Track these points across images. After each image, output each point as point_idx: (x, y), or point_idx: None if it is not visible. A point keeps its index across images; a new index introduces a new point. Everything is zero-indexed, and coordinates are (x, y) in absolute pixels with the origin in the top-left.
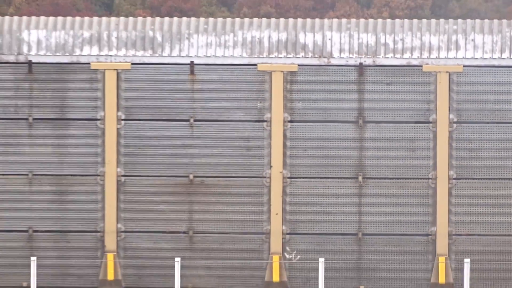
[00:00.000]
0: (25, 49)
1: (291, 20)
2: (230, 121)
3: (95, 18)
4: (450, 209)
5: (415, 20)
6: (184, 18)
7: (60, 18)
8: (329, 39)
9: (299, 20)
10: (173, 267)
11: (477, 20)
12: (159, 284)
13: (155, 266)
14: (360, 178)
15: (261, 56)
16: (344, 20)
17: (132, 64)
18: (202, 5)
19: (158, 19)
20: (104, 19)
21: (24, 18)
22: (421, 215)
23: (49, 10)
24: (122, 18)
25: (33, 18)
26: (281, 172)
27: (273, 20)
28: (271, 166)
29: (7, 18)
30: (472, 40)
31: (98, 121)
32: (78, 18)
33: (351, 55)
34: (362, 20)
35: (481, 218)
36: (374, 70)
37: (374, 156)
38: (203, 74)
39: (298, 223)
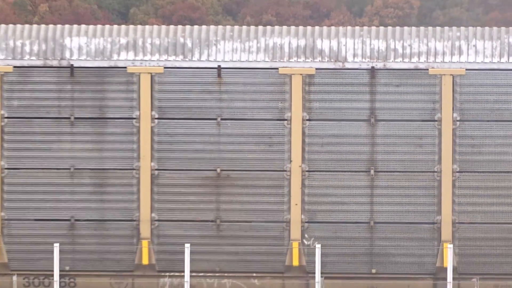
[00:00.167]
0: (67, 54)
1: (309, 28)
2: (254, 120)
3: (131, 26)
4: (453, 199)
5: (421, 28)
6: (212, 26)
7: (99, 26)
8: (344, 45)
9: (316, 28)
10: (201, 252)
11: (478, 28)
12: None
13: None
14: (372, 172)
15: (281, 60)
16: (357, 28)
17: (164, 68)
18: (209, 14)
19: (188, 27)
20: (139, 27)
21: (67, 26)
22: (427, 205)
23: (70, 18)
24: (155, 27)
25: (75, 26)
26: (300, 166)
27: (292, 27)
28: (291, 161)
29: (51, 26)
30: (474, 45)
31: (134, 120)
32: (115, 26)
33: (363, 60)
34: (373, 28)
35: (481, 208)
36: (384, 73)
37: (384, 152)
38: (229, 77)
39: (316, 212)
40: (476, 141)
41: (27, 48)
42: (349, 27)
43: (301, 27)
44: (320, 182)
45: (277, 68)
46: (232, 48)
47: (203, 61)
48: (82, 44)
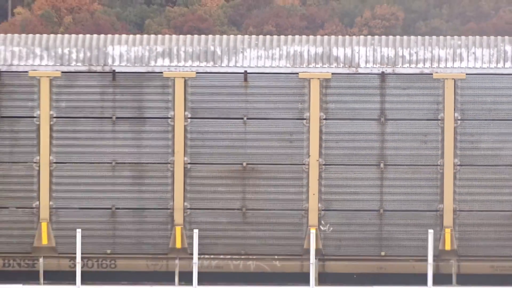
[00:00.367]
0: (110, 61)
1: (326, 37)
2: (276, 119)
3: (167, 36)
4: (454, 190)
5: (426, 37)
6: (239, 36)
7: (138, 36)
8: (357, 52)
9: (332, 37)
10: (228, 237)
11: (477, 37)
12: (217, 251)
13: (214, 236)
14: (381, 165)
15: (301, 66)
16: (369, 37)
17: (196, 73)
18: (216, 25)
19: (218, 36)
20: (174, 36)
21: (109, 36)
22: (431, 195)
23: (92, 29)
24: (188, 36)
25: (116, 36)
26: (317, 160)
27: (311, 37)
28: (309, 156)
29: (95, 36)
30: (473, 53)
31: (169, 119)
32: (153, 36)
33: (374, 66)
34: (383, 37)
35: (479, 197)
36: (393, 77)
37: (393, 147)
38: (255, 81)
39: (331, 201)
40: (475, 138)
41: (73, 56)
42: (361, 36)
43: (318, 36)
44: (335, 175)
45: (297, 73)
46: (257, 55)
47: (231, 67)
48: (123, 52)
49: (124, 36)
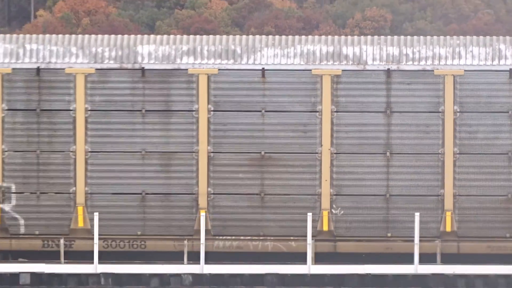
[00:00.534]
0: (139, 59)
1: (336, 37)
2: (292, 112)
3: (191, 36)
4: (454, 176)
5: (428, 37)
6: (257, 36)
7: (165, 36)
8: (365, 51)
9: (342, 37)
10: (248, 219)
11: (474, 37)
12: (237, 232)
13: (235, 219)
14: (388, 154)
15: (314, 63)
16: (375, 37)
17: (219, 70)
18: (220, 26)
19: (237, 36)
20: (198, 36)
21: (139, 36)
22: (433, 181)
23: (107, 30)
24: (211, 36)
25: (145, 36)
26: (329, 149)
27: (323, 37)
28: (321, 145)
29: (126, 36)
30: (471, 51)
31: (194, 112)
32: (178, 36)
33: (381, 63)
34: (389, 37)
35: (476, 183)
36: (398, 73)
37: (398, 137)
38: (271, 77)
39: (342, 187)
40: (472, 129)
41: (106, 54)
42: (369, 36)
43: (329, 37)
44: (345, 162)
45: (310, 70)
46: (273, 53)
47: (250, 64)
48: (151, 51)
49: (152, 36)
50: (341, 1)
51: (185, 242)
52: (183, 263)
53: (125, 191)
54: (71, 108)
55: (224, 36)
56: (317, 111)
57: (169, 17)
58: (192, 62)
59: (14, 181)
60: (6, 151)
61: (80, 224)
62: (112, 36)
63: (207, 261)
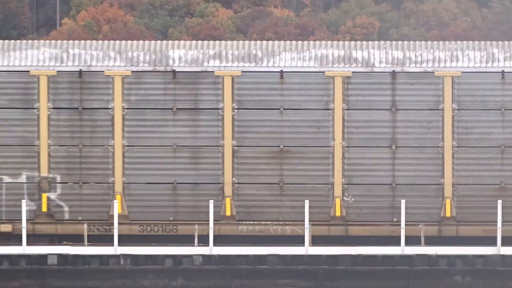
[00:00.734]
0: (170, 62)
1: (347, 42)
2: (307, 109)
3: (217, 42)
4: (453, 167)
5: (429, 42)
6: (276, 42)
7: (194, 42)
8: (372, 54)
9: (352, 42)
10: (268, 206)
11: (470, 42)
12: (259, 217)
13: (257, 206)
14: (393, 147)
15: (327, 66)
16: (382, 42)
17: (242, 72)
18: (226, 33)
19: (258, 42)
20: (223, 42)
21: (170, 41)
22: (434, 171)
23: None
24: (235, 42)
25: (176, 41)
26: (341, 143)
27: (335, 42)
28: (334, 139)
29: (158, 42)
30: (467, 54)
31: (219, 110)
32: (206, 42)
33: (387, 65)
34: (394, 42)
35: (473, 173)
36: (402, 75)
37: (402, 132)
38: (289, 78)
39: (352, 177)
40: (469, 124)
41: (141, 58)
42: (376, 42)
43: (341, 42)
44: (355, 155)
45: (324, 72)
46: (291, 57)
47: (270, 66)
48: (181, 55)
49: (182, 41)
50: (334, 10)
51: (196, 227)
52: (194, 245)
53: (158, 181)
54: (109, 107)
55: (247, 42)
56: (330, 109)
57: (180, 24)
58: (218, 65)
59: (59, 172)
60: (51, 145)
61: (118, 210)
62: (146, 41)
63: (233, 244)
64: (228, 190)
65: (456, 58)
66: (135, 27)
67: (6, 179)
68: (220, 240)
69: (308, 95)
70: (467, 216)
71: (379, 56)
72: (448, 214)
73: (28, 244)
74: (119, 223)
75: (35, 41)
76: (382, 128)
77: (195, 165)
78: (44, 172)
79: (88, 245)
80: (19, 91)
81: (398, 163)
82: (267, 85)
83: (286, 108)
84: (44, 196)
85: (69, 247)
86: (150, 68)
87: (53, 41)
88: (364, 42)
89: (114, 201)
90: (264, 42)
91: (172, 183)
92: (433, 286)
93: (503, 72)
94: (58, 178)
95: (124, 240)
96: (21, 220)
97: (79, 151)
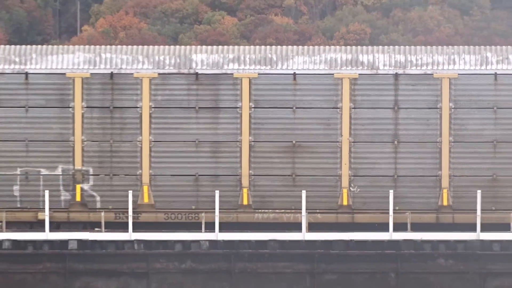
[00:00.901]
0: (193, 65)
1: (354, 47)
2: (317, 108)
3: (236, 46)
4: (449, 160)
5: (428, 47)
6: (290, 46)
7: (214, 47)
8: (377, 58)
9: (359, 47)
10: (282, 196)
11: (466, 46)
12: (273, 206)
13: (271, 196)
14: (395, 142)
15: (336, 69)
16: (386, 47)
17: (258, 74)
18: (231, 38)
19: (274, 47)
20: (241, 47)
21: (193, 46)
22: (432, 164)
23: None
24: (252, 47)
25: (198, 46)
26: (348, 138)
27: (343, 47)
28: (342, 135)
29: (182, 47)
30: (463, 58)
31: (238, 109)
32: (225, 47)
33: (390, 68)
34: (396, 47)
35: (467, 166)
36: (404, 77)
37: (404, 129)
38: (301, 80)
39: (358, 169)
40: (464, 122)
41: (167, 61)
42: (380, 46)
43: (348, 47)
44: (361, 149)
45: (333, 74)
46: (303, 60)
47: (284, 69)
48: (203, 58)
49: (204, 46)
50: (329, 18)
51: (203, 214)
52: (201, 232)
53: (182, 173)
54: (138, 106)
55: (263, 47)
56: (338, 108)
57: (190, 31)
58: (237, 67)
59: (92, 165)
60: (85, 141)
61: (146, 200)
62: (172, 46)
63: (249, 230)
64: (245, 181)
65: (453, 61)
66: (148, 33)
67: (44, 171)
68: (238, 226)
69: (318, 95)
70: (462, 204)
71: (383, 59)
72: (445, 203)
73: (63, 230)
74: (146, 212)
75: (71, 46)
76: (385, 125)
77: (215, 159)
78: (78, 165)
79: (106, 231)
80: (56, 92)
81: (400, 156)
82: (281, 86)
83: (298, 107)
84: (78, 187)
85: (87, 233)
86: (175, 71)
87: (86, 46)
88: (370, 47)
89: (129, 191)
90: (279, 47)
91: (194, 175)
92: (419, 268)
93: (495, 74)
94: (91, 171)
95: (151, 226)
96: (56, 208)
97: (110, 146)
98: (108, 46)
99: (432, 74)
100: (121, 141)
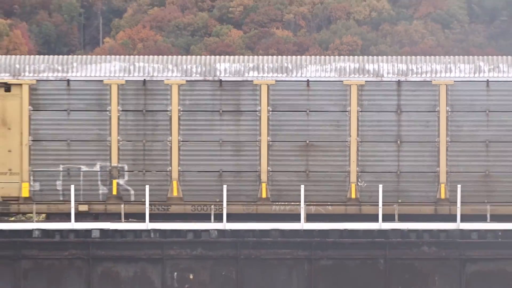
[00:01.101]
0: (218, 73)
1: (361, 56)
2: (328, 111)
3: (255, 56)
4: (447, 158)
5: (427, 56)
6: (303, 56)
7: (237, 56)
8: (382, 66)
9: (365, 57)
10: (297, 190)
11: (461, 56)
12: (289, 199)
13: (287, 190)
14: (398, 142)
15: (345, 76)
16: (389, 56)
17: (275, 81)
18: (237, 49)
19: (289, 56)
20: (260, 57)
21: (217, 56)
22: (431, 161)
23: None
24: (270, 56)
25: (222, 56)
26: (356, 138)
27: (351, 56)
28: (350, 136)
29: (208, 56)
30: (459, 67)
31: (257, 112)
32: (246, 56)
33: (393, 75)
34: (399, 56)
35: (463, 163)
36: (406, 83)
37: (406, 130)
38: (314, 87)
39: (365, 165)
40: (459, 123)
41: (194, 70)
42: (384, 56)
43: (356, 56)
44: (368, 148)
45: (342, 81)
46: (315, 69)
47: (298, 77)
48: (226, 67)
49: (227, 56)
50: (325, 31)
51: (212, 207)
52: (210, 221)
53: (207, 169)
54: (168, 109)
55: (280, 56)
56: (347, 111)
57: (200, 42)
58: (256, 75)
59: (126, 162)
60: (120, 141)
61: (175, 193)
62: (198, 56)
63: (268, 221)
64: (264, 176)
65: (450, 70)
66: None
67: (84, 168)
68: (257, 217)
69: (329, 99)
70: (457, 198)
71: (387, 68)
72: (442, 196)
73: (102, 221)
74: (175, 204)
75: (108, 56)
76: (389, 126)
77: (237, 157)
78: (114, 162)
79: (125, 221)
80: (94, 97)
81: (402, 155)
82: (296, 92)
83: (311, 111)
84: (114, 182)
85: (109, 223)
86: (201, 78)
87: (122, 56)
88: (375, 57)
89: (146, 186)
90: (294, 57)
91: (218, 171)
92: (405, 255)
93: (487, 81)
94: (126, 167)
95: (179, 217)
96: (96, 201)
97: (142, 145)
98: (141, 56)
99: (431, 81)
100: (153, 141)
